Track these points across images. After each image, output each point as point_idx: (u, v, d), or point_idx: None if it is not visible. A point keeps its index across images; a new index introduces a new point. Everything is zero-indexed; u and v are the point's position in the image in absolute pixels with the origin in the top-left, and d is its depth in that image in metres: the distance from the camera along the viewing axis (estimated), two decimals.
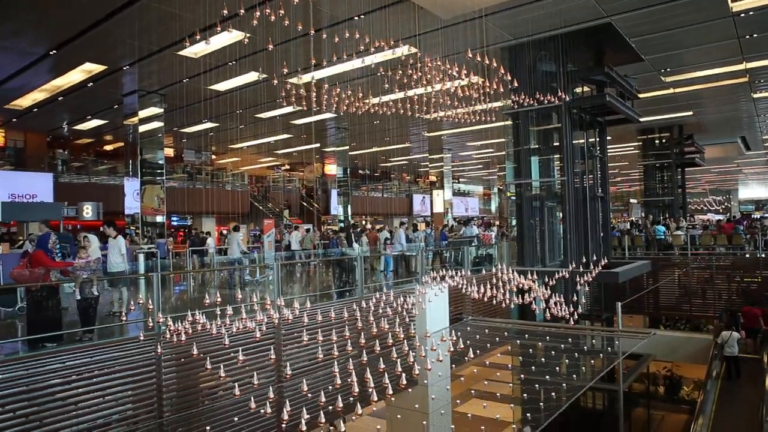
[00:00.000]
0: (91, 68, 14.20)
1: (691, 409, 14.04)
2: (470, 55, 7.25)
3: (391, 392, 3.97)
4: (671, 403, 16.93)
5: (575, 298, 7.88)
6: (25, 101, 17.22)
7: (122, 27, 11.44)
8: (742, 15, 11.44)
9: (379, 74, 7.46)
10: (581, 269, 9.37)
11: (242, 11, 5.57)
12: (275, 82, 8.12)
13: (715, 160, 34.49)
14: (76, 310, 7.12)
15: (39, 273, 6.76)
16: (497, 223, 26.78)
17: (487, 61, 7.24)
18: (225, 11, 6.00)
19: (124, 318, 6.78)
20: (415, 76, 7.76)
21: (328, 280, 12.16)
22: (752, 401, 11.44)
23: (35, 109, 18.10)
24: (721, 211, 51.12)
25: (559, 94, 10.74)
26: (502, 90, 7.82)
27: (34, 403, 5.84)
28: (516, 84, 8.41)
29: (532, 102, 9.21)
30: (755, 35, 12.63)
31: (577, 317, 6.96)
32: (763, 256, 17.02)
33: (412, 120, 21.40)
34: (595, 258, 9.52)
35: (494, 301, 6.99)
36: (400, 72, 7.79)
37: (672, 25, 12.05)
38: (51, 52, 12.85)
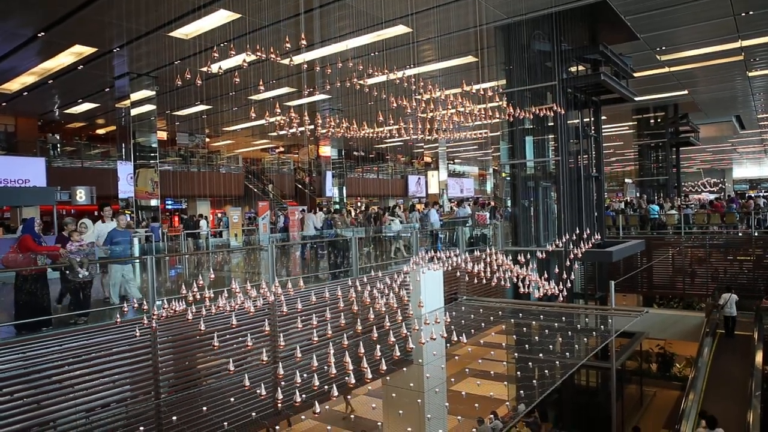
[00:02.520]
0: (80, 50, 14.01)
1: (682, 385, 14.26)
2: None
3: (384, 368, 4.01)
4: (663, 380, 17.20)
5: (567, 264, 7.93)
6: (15, 85, 17.02)
7: (112, 8, 11.27)
8: None
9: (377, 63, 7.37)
10: (573, 242, 9.40)
11: None
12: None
13: (710, 140, 34.50)
14: (69, 293, 7.12)
15: (30, 258, 6.76)
16: (492, 203, 26.83)
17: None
18: None
19: (131, 304, 6.75)
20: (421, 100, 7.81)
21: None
22: (742, 377, 11.62)
23: (25, 93, 17.89)
24: (715, 191, 51.29)
25: (555, 108, 10.79)
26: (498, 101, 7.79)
27: (32, 386, 5.87)
28: (512, 113, 8.47)
29: (527, 115, 9.24)
30: (751, 12, 12.54)
31: (570, 286, 7.01)
32: (756, 234, 17.14)
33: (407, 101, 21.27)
34: (588, 232, 9.53)
35: (484, 281, 7.04)
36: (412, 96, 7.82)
37: (667, 3, 11.94)
38: (39, 34, 12.66)
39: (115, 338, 6.49)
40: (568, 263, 7.93)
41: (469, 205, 20.52)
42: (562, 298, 7.06)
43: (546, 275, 7.71)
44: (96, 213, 21.13)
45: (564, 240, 9.38)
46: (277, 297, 5.53)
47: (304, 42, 6.12)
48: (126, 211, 17.54)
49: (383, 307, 5.30)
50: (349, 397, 13.80)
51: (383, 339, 4.63)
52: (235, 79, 7.53)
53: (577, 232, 9.84)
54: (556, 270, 8.01)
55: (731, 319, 14.55)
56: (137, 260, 9.26)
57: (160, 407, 6.72)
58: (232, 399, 7.07)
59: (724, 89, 20.98)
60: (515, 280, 7.25)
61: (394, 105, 7.73)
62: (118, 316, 6.06)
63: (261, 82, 7.00)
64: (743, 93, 21.70)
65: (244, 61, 6.00)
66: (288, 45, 6.17)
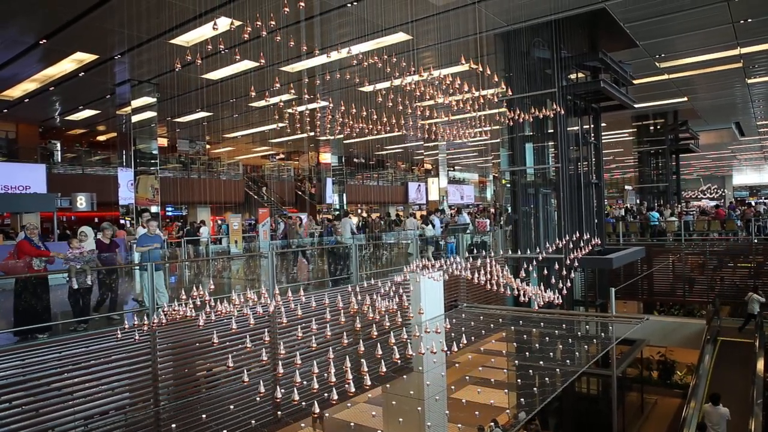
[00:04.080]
0: (82, 58, 14.06)
1: (684, 393, 14.20)
2: (464, 62, 7.25)
3: (384, 370, 3.99)
4: (664, 388, 17.12)
5: (567, 262, 7.86)
6: (16, 92, 17.06)
7: (113, 15, 11.32)
8: None
9: (376, 66, 7.36)
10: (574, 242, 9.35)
11: None
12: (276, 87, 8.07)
13: (710, 146, 34.57)
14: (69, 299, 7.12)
15: (27, 262, 6.77)
16: (492, 210, 26.84)
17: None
18: None
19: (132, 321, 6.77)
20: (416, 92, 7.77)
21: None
22: (743, 385, 11.58)
23: (26, 100, 17.94)
24: (715, 197, 51.31)
25: (555, 107, 10.82)
26: (496, 79, 7.78)
27: (30, 394, 5.86)
28: (510, 92, 8.46)
29: (527, 118, 9.23)
30: (750, 20, 12.60)
31: (570, 285, 6.98)
32: (756, 241, 17.12)
33: (407, 109, 21.35)
34: (588, 236, 9.47)
35: (487, 286, 7.02)
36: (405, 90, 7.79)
37: (666, 10, 12.00)
38: (41, 42, 12.71)
39: (114, 345, 6.47)
40: (567, 262, 7.89)
41: (468, 213, 20.54)
42: (560, 298, 7.01)
43: (546, 272, 7.66)
44: (96, 220, 21.18)
45: (564, 242, 9.35)
46: (277, 306, 5.51)
47: (302, 4, 6.03)
48: (126, 217, 17.55)
49: (383, 309, 5.28)
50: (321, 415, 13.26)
51: (383, 342, 4.61)
52: (236, 56, 7.42)
53: (577, 235, 9.80)
54: (557, 266, 7.94)
55: (752, 315, 15.20)
56: (137, 267, 9.26)
57: (159, 415, 6.70)
58: (232, 407, 7.05)
59: (723, 96, 21.02)
60: (515, 292, 7.23)
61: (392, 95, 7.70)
62: (118, 331, 6.04)
63: (261, 56, 6.92)
64: (743, 100, 21.75)
65: (247, 28, 5.85)
66: (287, 10, 6.10)
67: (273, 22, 5.81)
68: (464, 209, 22.46)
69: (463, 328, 10.09)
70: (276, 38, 6.12)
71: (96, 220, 21.57)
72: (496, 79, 7.51)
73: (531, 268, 8.00)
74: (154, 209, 17.53)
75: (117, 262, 8.55)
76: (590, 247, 8.84)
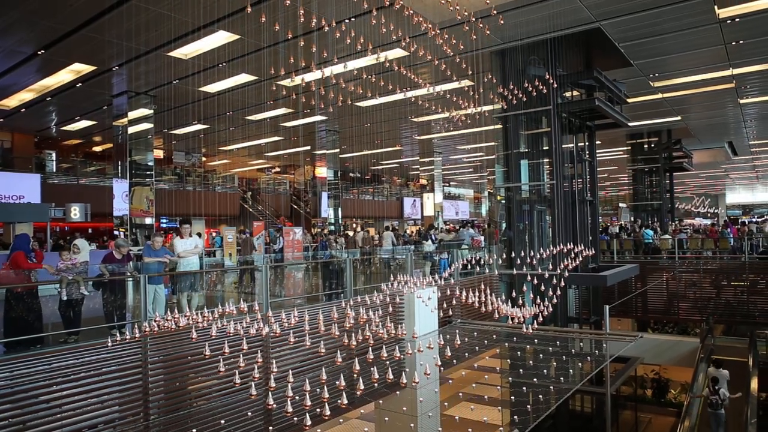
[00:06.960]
0: (80, 69, 14.11)
1: (678, 411, 14.14)
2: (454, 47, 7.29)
3: (376, 376, 3.96)
4: (658, 406, 17.05)
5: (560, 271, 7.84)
6: (13, 101, 17.08)
7: (111, 28, 11.39)
8: (729, 22, 11.59)
9: (372, 76, 7.42)
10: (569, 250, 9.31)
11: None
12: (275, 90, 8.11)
13: (703, 165, 34.85)
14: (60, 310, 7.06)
15: (23, 274, 6.73)
16: (487, 227, 26.84)
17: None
18: None
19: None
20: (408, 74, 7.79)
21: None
22: (737, 404, 11.54)
23: (23, 110, 17.94)
24: (708, 215, 51.54)
25: (550, 79, 10.85)
26: (492, 95, 7.86)
27: (18, 406, 5.76)
28: (501, 89, 8.49)
29: (522, 97, 9.20)
30: (741, 42, 12.80)
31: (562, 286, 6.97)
32: (747, 260, 17.18)
33: (403, 123, 21.48)
34: (581, 247, 9.45)
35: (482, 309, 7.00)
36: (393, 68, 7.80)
37: (660, 31, 12.18)
38: (39, 52, 12.76)
39: (105, 357, 6.39)
40: (562, 266, 7.88)
41: (472, 227, 20.54)
42: (554, 303, 7.00)
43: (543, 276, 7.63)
44: (89, 231, 21.09)
45: (556, 250, 9.33)
46: (271, 328, 5.47)
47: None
48: (120, 228, 17.45)
49: (377, 317, 5.26)
50: None
51: (376, 352, 4.58)
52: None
53: (569, 246, 9.78)
54: (548, 270, 7.93)
55: None
56: (130, 279, 9.19)
57: (149, 429, 6.61)
58: (223, 421, 6.96)
59: (716, 116, 21.26)
60: (508, 321, 7.24)
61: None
62: (108, 340, 5.97)
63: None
64: (735, 120, 21.99)
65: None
66: (276, 27, 6.16)
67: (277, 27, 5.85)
68: (468, 225, 22.30)
69: (457, 342, 10.05)
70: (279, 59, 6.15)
71: (90, 231, 21.48)
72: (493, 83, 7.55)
73: (527, 285, 7.99)
74: (148, 221, 17.47)
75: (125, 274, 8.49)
76: (582, 258, 8.84)
